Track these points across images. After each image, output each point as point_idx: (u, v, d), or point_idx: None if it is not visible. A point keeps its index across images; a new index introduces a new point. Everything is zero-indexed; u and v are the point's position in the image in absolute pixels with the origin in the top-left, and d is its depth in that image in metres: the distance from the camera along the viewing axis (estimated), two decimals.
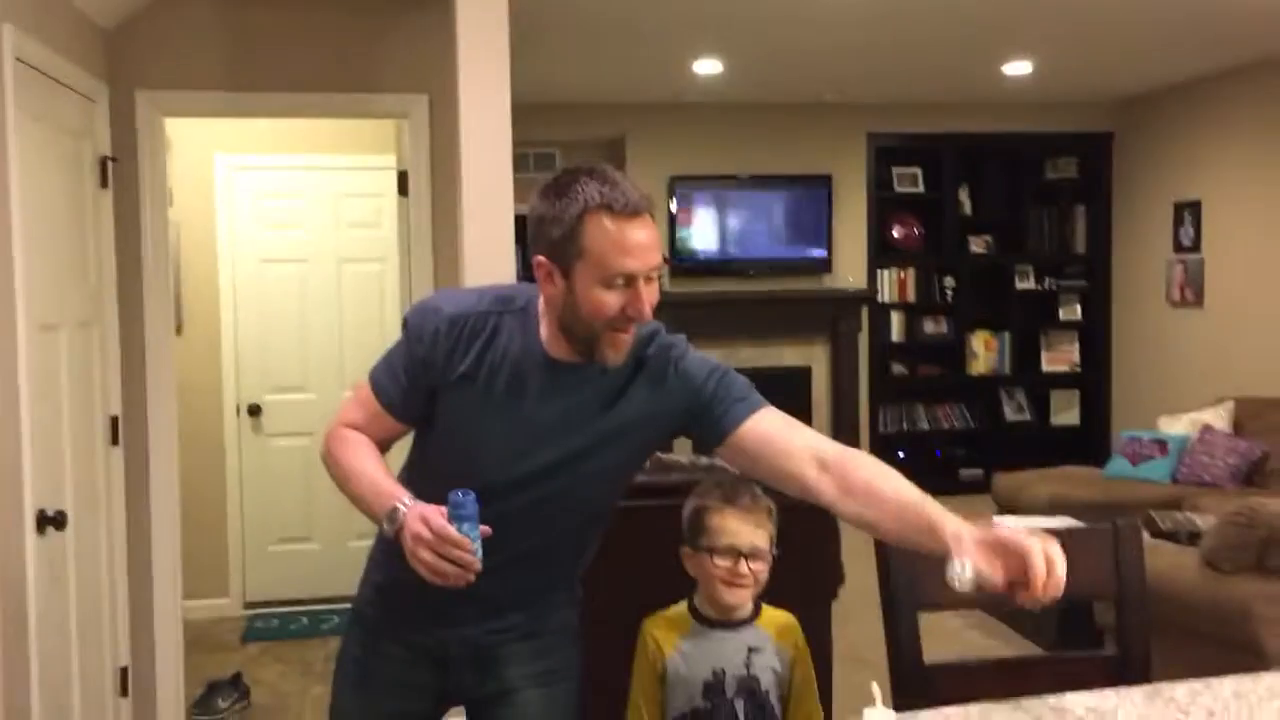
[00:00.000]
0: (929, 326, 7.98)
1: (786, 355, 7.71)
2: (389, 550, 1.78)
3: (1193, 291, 7.08)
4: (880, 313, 7.86)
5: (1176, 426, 6.28)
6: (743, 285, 7.60)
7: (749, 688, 2.08)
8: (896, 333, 7.91)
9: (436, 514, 1.64)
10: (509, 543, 1.74)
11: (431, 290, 3.67)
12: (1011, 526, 1.57)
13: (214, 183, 5.34)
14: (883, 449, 7.74)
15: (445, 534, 1.62)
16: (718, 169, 7.57)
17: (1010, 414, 8.14)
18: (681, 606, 2.13)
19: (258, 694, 4.28)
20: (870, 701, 1.54)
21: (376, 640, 1.97)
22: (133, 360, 3.75)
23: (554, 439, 1.78)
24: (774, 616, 2.11)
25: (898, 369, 7.95)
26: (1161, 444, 6.13)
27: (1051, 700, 1.64)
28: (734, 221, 7.64)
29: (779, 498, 1.95)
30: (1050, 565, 1.48)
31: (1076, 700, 1.64)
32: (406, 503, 1.69)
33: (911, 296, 7.92)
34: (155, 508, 3.81)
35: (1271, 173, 6.39)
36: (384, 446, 1.91)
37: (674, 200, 7.51)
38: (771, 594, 2.11)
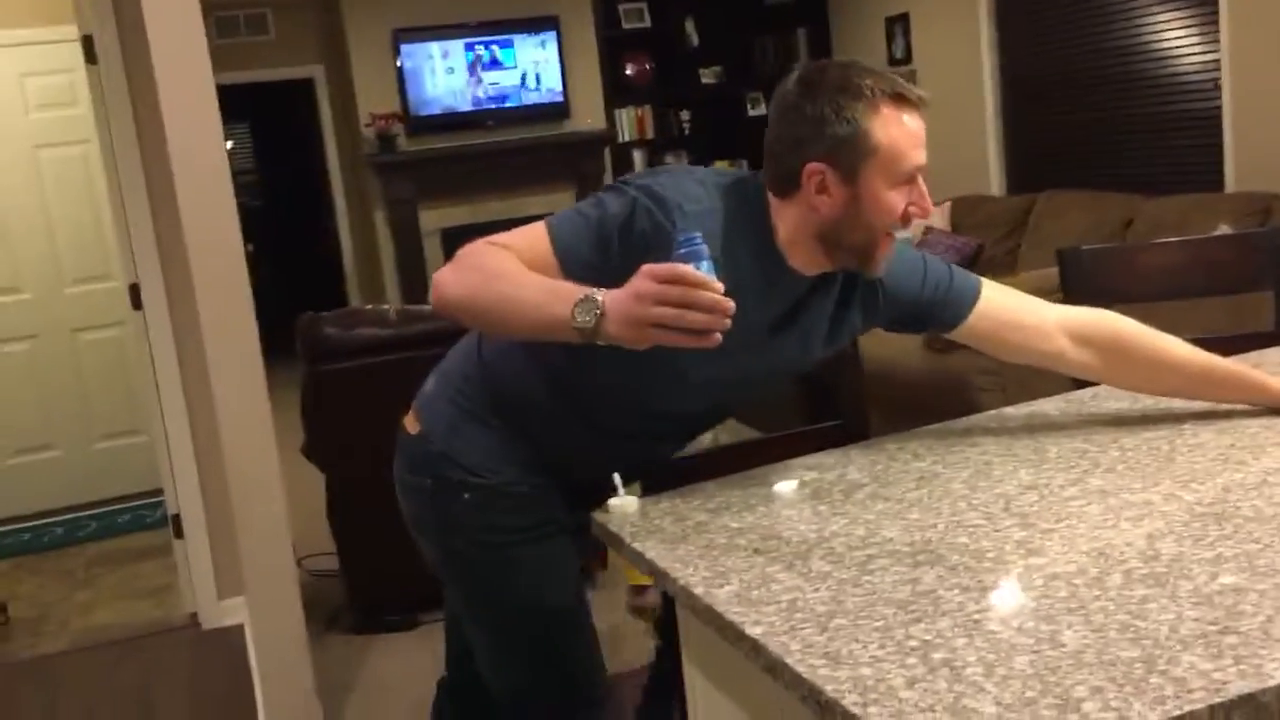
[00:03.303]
0: (670, 161, 8.12)
1: (533, 204, 7.69)
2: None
3: None
4: (622, 152, 7.92)
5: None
6: (482, 137, 7.48)
7: None
8: (639, 170, 8.00)
9: (656, 266, 1.32)
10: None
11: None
12: None
13: None
14: None
15: (686, 274, 1.29)
16: (442, 18, 7.33)
17: None
18: None
19: (16, 608, 4.07)
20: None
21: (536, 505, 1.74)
22: None
23: (774, 353, 1.67)
24: None
25: None
26: None
27: (779, 466, 1.76)
28: (466, 71, 7.46)
29: None
30: None
31: (799, 463, 1.77)
32: (599, 290, 1.36)
33: (650, 133, 8.01)
34: None
35: None
36: None
37: (401, 54, 7.24)
38: None
